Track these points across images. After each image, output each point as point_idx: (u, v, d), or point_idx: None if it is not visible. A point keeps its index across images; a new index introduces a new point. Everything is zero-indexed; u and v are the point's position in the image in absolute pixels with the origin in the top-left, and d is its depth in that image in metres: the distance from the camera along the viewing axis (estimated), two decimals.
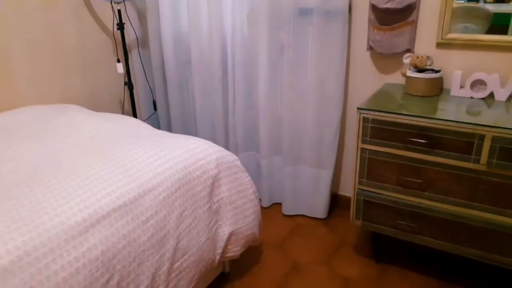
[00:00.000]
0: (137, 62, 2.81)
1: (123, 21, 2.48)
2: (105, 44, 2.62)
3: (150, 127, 1.95)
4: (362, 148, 1.76)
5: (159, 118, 2.92)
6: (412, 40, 1.96)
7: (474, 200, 1.60)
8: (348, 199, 2.11)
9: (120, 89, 2.75)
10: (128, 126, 1.89)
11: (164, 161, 1.52)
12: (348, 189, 2.47)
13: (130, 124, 1.93)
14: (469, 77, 1.80)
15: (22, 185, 1.30)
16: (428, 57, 1.90)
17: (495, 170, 1.52)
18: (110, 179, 1.35)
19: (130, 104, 2.70)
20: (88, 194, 1.26)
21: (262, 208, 2.52)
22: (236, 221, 1.72)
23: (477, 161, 1.53)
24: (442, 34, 1.89)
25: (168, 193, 1.44)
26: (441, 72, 1.86)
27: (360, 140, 1.75)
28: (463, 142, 1.54)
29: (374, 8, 1.96)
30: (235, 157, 1.78)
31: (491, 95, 1.78)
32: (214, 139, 2.61)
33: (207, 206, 1.60)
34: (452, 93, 1.85)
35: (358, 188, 1.83)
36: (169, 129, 2.87)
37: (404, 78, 1.93)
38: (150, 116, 2.92)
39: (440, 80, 1.87)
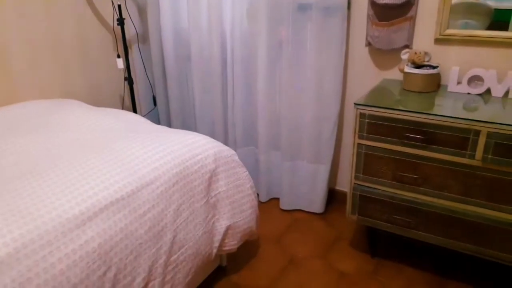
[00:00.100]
0: (137, 58, 2.82)
1: (123, 17, 2.49)
2: (105, 40, 2.63)
3: (149, 122, 1.96)
4: (358, 144, 1.77)
5: (159, 113, 2.94)
6: (411, 36, 1.97)
7: (469, 196, 1.61)
8: (345, 194, 2.12)
9: (120, 85, 2.76)
10: (127, 121, 1.90)
11: (162, 155, 1.53)
12: (345, 184, 2.48)
13: (129, 119, 1.94)
14: (467, 73, 1.81)
15: (21, 179, 1.31)
16: (426, 53, 1.90)
17: (490, 165, 1.53)
18: (108, 173, 1.37)
19: (130, 100, 2.71)
20: (86, 187, 1.28)
21: (260, 203, 2.53)
22: (233, 215, 1.74)
23: (473, 156, 1.54)
24: (440, 30, 1.90)
25: (166, 187, 1.46)
26: (438, 68, 1.86)
27: (356, 136, 1.76)
28: (458, 137, 1.55)
29: (373, 3, 1.97)
30: (233, 152, 1.79)
31: (488, 91, 1.79)
32: (213, 135, 2.62)
33: (205, 200, 1.62)
34: (449, 89, 1.86)
35: (355, 183, 1.84)
36: (169, 124, 2.89)
37: (402, 74, 1.93)
38: (150, 111, 2.94)
39: (437, 76, 1.88)
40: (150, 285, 1.36)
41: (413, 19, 1.93)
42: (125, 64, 2.59)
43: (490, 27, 1.80)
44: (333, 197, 2.52)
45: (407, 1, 1.89)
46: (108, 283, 1.20)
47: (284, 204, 2.46)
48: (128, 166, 1.43)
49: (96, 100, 2.61)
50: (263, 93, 2.31)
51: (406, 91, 1.88)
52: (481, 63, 1.85)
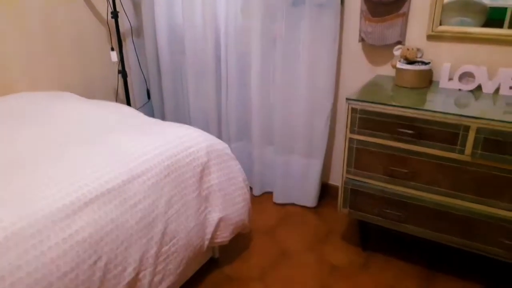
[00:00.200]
0: (131, 51, 2.82)
1: (117, 10, 2.49)
2: (99, 32, 2.62)
3: (142, 115, 1.96)
4: (350, 138, 1.78)
5: (153, 107, 2.94)
6: (403, 32, 1.98)
7: (458, 190, 1.63)
8: (337, 189, 2.13)
9: (114, 78, 2.76)
10: (120, 114, 1.90)
11: (154, 147, 1.54)
12: (337, 179, 2.50)
13: (123, 112, 1.95)
14: (458, 69, 1.83)
15: (11, 169, 1.32)
16: (418, 49, 1.92)
17: (479, 160, 1.54)
18: (99, 164, 1.37)
19: (124, 93, 2.71)
20: (77, 178, 1.28)
21: (254, 196, 2.55)
22: (226, 207, 1.75)
23: (462, 151, 1.56)
24: (432, 27, 1.91)
25: (157, 179, 1.46)
26: (430, 64, 1.88)
27: (348, 130, 1.78)
28: (448, 133, 1.56)
29: None
30: (225, 145, 1.80)
31: (479, 87, 1.81)
32: (207, 129, 2.63)
33: (197, 193, 1.63)
34: (441, 85, 1.87)
35: (346, 177, 1.86)
36: (163, 118, 2.89)
37: (395, 70, 1.95)
38: (144, 104, 2.94)
39: (429, 72, 1.89)
40: (141, 275, 1.37)
41: (405, 15, 1.94)
42: (119, 57, 2.59)
43: (485, 25, 1.81)
44: (325, 191, 2.53)
45: None
46: (98, 272, 1.21)
47: (277, 198, 2.48)
48: (119, 157, 1.43)
49: (90, 92, 2.61)
50: (257, 88, 2.31)
51: (398, 87, 1.90)
52: (472, 60, 1.87)
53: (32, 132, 1.62)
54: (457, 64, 1.87)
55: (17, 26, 2.17)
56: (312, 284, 1.85)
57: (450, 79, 1.86)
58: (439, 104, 1.64)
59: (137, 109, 2.41)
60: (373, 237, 2.15)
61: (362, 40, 2.09)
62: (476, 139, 1.52)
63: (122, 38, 2.66)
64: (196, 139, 1.69)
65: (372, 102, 1.68)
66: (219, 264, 1.97)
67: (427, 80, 1.89)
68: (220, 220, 1.73)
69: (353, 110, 1.74)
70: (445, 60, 1.92)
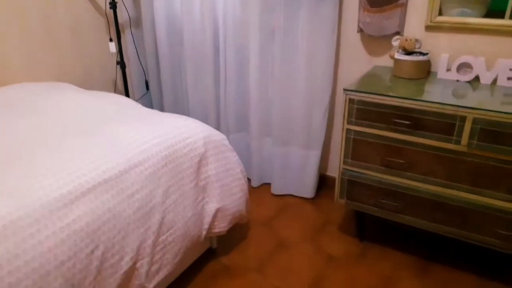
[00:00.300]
0: (129, 42, 2.81)
1: (116, 0, 2.48)
2: (97, 23, 2.61)
3: (140, 106, 1.97)
4: (347, 129, 1.79)
5: (152, 98, 2.94)
6: (402, 23, 1.97)
7: (454, 180, 1.63)
8: (335, 180, 2.14)
9: (113, 69, 2.76)
10: (118, 105, 1.91)
11: (152, 137, 1.54)
12: (335, 170, 2.50)
13: (121, 103, 1.95)
14: (456, 60, 1.82)
15: (9, 159, 1.33)
16: (416, 40, 1.91)
17: (475, 151, 1.55)
18: (97, 154, 1.38)
19: (123, 84, 2.71)
20: (74, 168, 1.29)
21: (252, 188, 2.56)
22: (223, 198, 1.76)
23: (458, 142, 1.56)
24: (431, 17, 1.90)
25: (155, 169, 1.47)
26: (428, 55, 1.87)
27: (345, 121, 1.78)
28: (445, 123, 1.57)
29: None
30: (223, 136, 1.81)
31: (477, 78, 1.81)
32: (206, 120, 2.64)
33: (194, 183, 1.63)
34: (438, 76, 1.87)
35: (343, 168, 1.86)
36: (162, 109, 2.89)
37: (393, 61, 1.94)
38: (143, 96, 2.94)
39: (427, 63, 1.89)
40: (138, 264, 1.38)
41: (404, 5, 1.93)
42: (117, 48, 2.58)
43: (486, 16, 1.80)
44: (323, 182, 2.54)
45: None
46: (96, 261, 1.22)
47: (276, 189, 2.49)
48: (117, 148, 1.44)
49: (89, 83, 2.61)
50: (255, 80, 2.31)
51: (396, 77, 1.89)
52: (471, 51, 1.86)
53: (30, 123, 1.63)
54: (456, 55, 1.86)
55: (15, 17, 2.16)
56: (309, 274, 1.87)
57: (448, 69, 1.85)
58: (436, 95, 1.64)
59: (136, 101, 2.42)
60: (370, 228, 2.16)
61: (360, 30, 2.08)
62: (472, 130, 1.52)
63: (120, 29, 2.65)
64: (194, 130, 1.70)
65: (369, 93, 1.68)
66: (217, 254, 1.98)
67: (425, 71, 1.89)
68: (218, 210, 1.74)
69: (351, 101, 1.74)
70: (444, 50, 1.91)
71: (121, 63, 2.62)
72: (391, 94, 1.65)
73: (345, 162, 1.85)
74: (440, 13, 1.88)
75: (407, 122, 1.63)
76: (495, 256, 1.95)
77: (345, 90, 1.74)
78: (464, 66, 1.83)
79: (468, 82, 1.81)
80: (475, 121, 1.50)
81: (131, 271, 1.36)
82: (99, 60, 2.67)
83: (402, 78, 1.88)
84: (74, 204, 1.20)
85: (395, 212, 1.80)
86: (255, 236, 2.12)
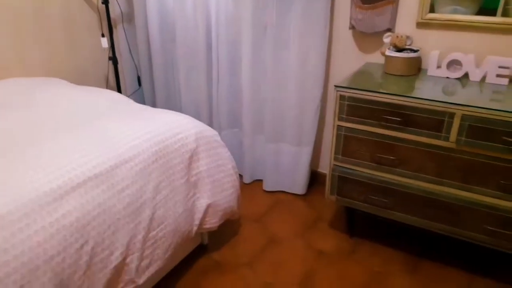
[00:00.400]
0: (121, 37, 2.80)
1: None
2: (90, 18, 2.60)
3: (132, 101, 1.96)
4: (338, 126, 1.80)
5: (144, 94, 2.93)
6: (393, 20, 1.98)
7: (443, 177, 1.65)
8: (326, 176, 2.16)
9: (105, 64, 2.75)
10: (109, 100, 1.90)
11: (143, 133, 1.54)
12: (327, 166, 2.50)
13: (112, 98, 1.94)
14: (446, 57, 1.84)
15: None
16: (407, 37, 1.92)
17: (464, 147, 1.56)
18: (87, 149, 1.38)
19: (115, 79, 2.70)
20: (64, 163, 1.29)
21: (244, 184, 2.56)
22: (214, 194, 1.76)
23: (447, 138, 1.58)
24: (422, 14, 1.91)
25: (145, 164, 1.47)
26: (419, 52, 1.88)
27: (336, 118, 1.79)
28: (434, 120, 1.58)
29: None
30: (215, 132, 1.81)
31: (466, 75, 1.82)
32: (198, 117, 2.63)
33: (185, 179, 1.64)
34: (429, 73, 1.88)
35: (334, 164, 1.87)
36: (154, 105, 2.89)
37: (384, 58, 1.95)
38: (135, 92, 2.93)
39: (418, 60, 1.90)
40: (128, 259, 1.38)
41: (395, 2, 1.94)
42: (109, 43, 2.57)
43: (478, 14, 1.81)
44: (315, 179, 2.55)
45: None
46: (85, 255, 1.22)
47: (267, 186, 2.50)
48: (107, 143, 1.44)
49: (81, 79, 2.60)
50: (248, 76, 2.31)
51: (387, 74, 1.90)
52: (461, 48, 1.88)
53: (21, 117, 1.62)
54: (446, 52, 1.87)
55: (6, 11, 2.14)
56: (300, 270, 1.88)
57: (438, 67, 1.87)
58: (426, 92, 1.66)
59: (128, 96, 2.41)
60: (361, 224, 2.18)
61: (352, 27, 2.09)
62: (461, 126, 1.53)
63: (112, 24, 2.64)
64: (185, 125, 1.70)
65: (360, 90, 1.69)
66: (208, 250, 1.99)
67: (415, 68, 1.90)
68: (209, 206, 1.75)
69: (342, 98, 1.75)
70: (434, 47, 1.93)
71: (113, 59, 2.61)
72: (381, 90, 1.66)
73: (336, 159, 1.86)
74: (432, 11, 1.89)
75: (398, 119, 1.65)
76: (485, 252, 1.98)
77: (336, 86, 1.75)
78: (454, 63, 1.84)
79: (458, 79, 1.83)
80: (463, 117, 1.52)
81: (121, 266, 1.36)
82: (91, 56, 2.66)
83: (393, 75, 1.89)
84: (64, 199, 1.20)
85: (385, 209, 1.82)
86: (247, 232, 2.12)
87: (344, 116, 1.77)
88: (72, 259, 1.18)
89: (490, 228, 1.62)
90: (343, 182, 1.88)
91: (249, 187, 2.54)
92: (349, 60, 2.19)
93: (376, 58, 2.10)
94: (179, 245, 1.64)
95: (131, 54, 2.82)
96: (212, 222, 1.80)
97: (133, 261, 1.40)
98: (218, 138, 1.81)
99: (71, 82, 2.26)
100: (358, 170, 1.83)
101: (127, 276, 1.40)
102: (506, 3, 1.75)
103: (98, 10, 2.62)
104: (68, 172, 1.26)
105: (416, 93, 1.63)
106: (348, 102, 1.74)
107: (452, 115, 1.54)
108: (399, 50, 1.90)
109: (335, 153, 1.84)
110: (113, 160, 1.38)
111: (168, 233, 1.55)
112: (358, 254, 1.97)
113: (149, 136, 1.54)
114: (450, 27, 1.89)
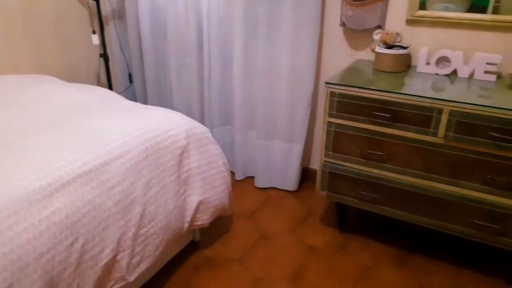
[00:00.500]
0: (113, 34, 2.79)
1: None
2: (81, 15, 2.59)
3: (123, 98, 1.96)
4: (328, 122, 1.81)
5: (135, 91, 2.93)
6: (383, 17, 1.99)
7: (431, 172, 1.67)
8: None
9: (96, 61, 2.74)
10: (100, 97, 1.90)
11: (133, 130, 1.54)
12: (318, 163, 2.52)
13: (103, 95, 1.94)
14: (435, 53, 1.85)
15: None
16: (397, 34, 1.93)
17: (452, 143, 1.58)
18: (77, 146, 1.38)
19: (106, 76, 2.69)
20: (54, 160, 1.29)
21: (236, 181, 2.57)
22: (205, 190, 1.77)
23: (435, 134, 1.60)
24: (411, 11, 1.93)
25: (136, 161, 1.47)
26: (408, 49, 1.90)
27: (327, 114, 1.80)
28: (423, 116, 1.60)
29: None
30: (206, 129, 1.81)
31: (455, 72, 1.84)
32: (190, 114, 2.63)
33: (176, 176, 1.64)
34: (418, 70, 1.90)
35: (324, 160, 1.89)
36: (145, 103, 2.88)
37: (374, 54, 1.96)
38: (126, 89, 2.92)
39: (407, 57, 1.92)
40: (119, 256, 1.39)
41: None
42: (100, 40, 2.56)
43: (469, 11, 1.83)
44: (306, 175, 2.57)
45: None
46: (75, 253, 1.23)
47: (259, 182, 2.51)
48: (97, 140, 1.44)
49: (72, 76, 2.58)
50: (239, 73, 2.32)
51: (377, 71, 1.92)
52: (450, 45, 1.89)
53: (11, 114, 1.61)
54: (435, 49, 1.89)
55: None
56: (291, 265, 1.89)
57: (428, 63, 1.88)
58: (415, 88, 1.67)
59: (119, 94, 2.40)
60: (351, 220, 2.20)
61: (343, 24, 2.10)
62: (448, 122, 1.55)
63: (104, 21, 2.63)
64: (176, 122, 1.70)
65: (350, 86, 1.71)
66: (200, 246, 1.99)
67: (405, 65, 1.92)
68: (200, 203, 1.75)
69: (332, 94, 1.76)
70: (423, 44, 1.94)
71: (104, 56, 2.60)
72: (371, 87, 1.67)
73: (326, 155, 1.87)
74: (423, 8, 1.91)
75: (387, 115, 1.66)
76: (473, 246, 2.00)
77: (326, 83, 1.76)
78: (442, 60, 1.86)
79: (447, 75, 1.84)
80: (451, 113, 1.54)
81: (112, 263, 1.36)
82: (82, 53, 2.64)
83: (383, 71, 1.90)
84: (53, 196, 1.20)
85: (374, 204, 1.84)
86: (238, 229, 2.13)
87: (334, 112, 1.78)
88: (62, 256, 1.18)
89: (478, 222, 1.64)
90: (333, 178, 1.89)
91: (241, 184, 2.55)
92: (340, 57, 2.20)
93: (366, 55, 2.12)
94: (171, 242, 1.64)
95: (123, 51, 2.81)
96: (204, 219, 1.80)
97: (123, 258, 1.40)
98: (209, 134, 1.81)
99: (62, 79, 2.25)
100: (348, 166, 1.84)
101: (118, 273, 1.40)
102: (496, 1, 1.77)
103: (89, 7, 2.61)
104: (58, 169, 1.26)
105: (405, 90, 1.65)
106: (338, 99, 1.75)
107: (440, 111, 1.55)
108: (389, 47, 1.91)
109: (326, 149, 1.86)
110: (103, 157, 1.38)
111: (159, 230, 1.55)
112: (349, 249, 1.99)
113: (140, 133, 1.54)
114: (439, 24, 1.90)
